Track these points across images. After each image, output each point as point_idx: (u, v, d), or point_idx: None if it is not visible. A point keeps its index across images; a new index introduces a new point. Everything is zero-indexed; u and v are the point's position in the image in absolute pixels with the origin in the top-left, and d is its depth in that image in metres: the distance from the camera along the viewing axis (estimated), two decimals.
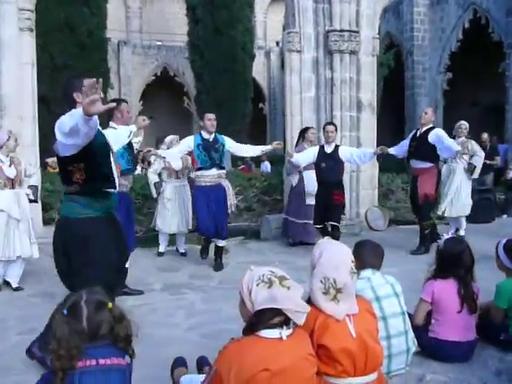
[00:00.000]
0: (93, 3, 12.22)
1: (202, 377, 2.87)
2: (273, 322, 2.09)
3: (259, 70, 22.74)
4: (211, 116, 6.39)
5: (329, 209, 6.75)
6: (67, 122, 3.08)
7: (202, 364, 3.14)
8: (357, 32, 8.24)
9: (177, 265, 6.73)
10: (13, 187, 5.62)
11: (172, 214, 6.96)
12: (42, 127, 7.48)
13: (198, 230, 6.45)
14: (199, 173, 6.30)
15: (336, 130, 7.02)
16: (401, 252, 6.89)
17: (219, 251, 6.48)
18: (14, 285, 5.69)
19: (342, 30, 8.13)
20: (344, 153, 6.79)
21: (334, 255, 2.39)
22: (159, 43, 23.47)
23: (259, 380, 2.00)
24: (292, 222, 7.55)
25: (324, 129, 6.99)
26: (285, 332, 2.09)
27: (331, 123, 7.16)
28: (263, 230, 8.34)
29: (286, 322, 2.13)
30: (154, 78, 22.47)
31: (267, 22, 26.87)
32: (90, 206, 3.50)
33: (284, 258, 6.91)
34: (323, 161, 6.80)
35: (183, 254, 7.13)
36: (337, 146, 6.94)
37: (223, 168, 6.48)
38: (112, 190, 3.65)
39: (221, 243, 6.45)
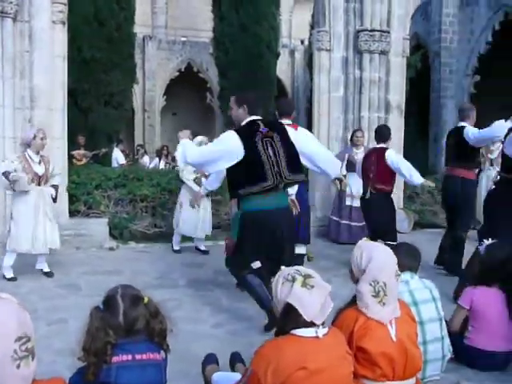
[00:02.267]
0: None
1: (235, 375, 2.87)
2: (301, 321, 2.05)
3: (283, 69, 22.62)
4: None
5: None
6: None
7: (234, 360, 3.13)
8: (388, 32, 8.16)
9: (200, 261, 6.74)
10: (39, 184, 5.74)
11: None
12: (69, 120, 7.55)
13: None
14: None
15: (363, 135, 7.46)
16: (427, 255, 6.80)
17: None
18: (46, 269, 5.95)
19: (372, 30, 8.06)
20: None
21: (384, 258, 2.37)
22: (184, 39, 23.51)
23: (297, 379, 1.98)
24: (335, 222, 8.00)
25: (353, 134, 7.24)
26: (321, 331, 2.06)
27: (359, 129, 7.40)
28: None
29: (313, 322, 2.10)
30: (177, 73, 22.51)
31: (292, 21, 26.79)
32: None
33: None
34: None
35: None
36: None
37: None
38: None
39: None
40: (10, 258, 5.78)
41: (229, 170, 4.17)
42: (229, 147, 4.06)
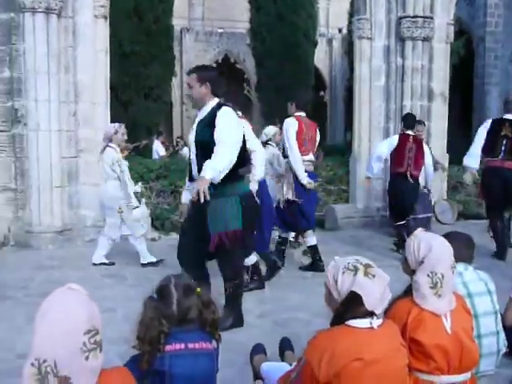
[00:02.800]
0: None
1: (284, 365, 2.87)
2: (361, 310, 2.04)
3: (321, 58, 22.41)
4: None
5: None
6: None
7: (284, 346, 3.13)
8: (431, 18, 7.96)
9: None
10: None
11: None
12: (110, 113, 7.67)
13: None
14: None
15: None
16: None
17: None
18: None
19: (415, 16, 7.87)
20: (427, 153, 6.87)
21: (442, 249, 2.33)
22: (221, 30, 23.55)
23: (352, 369, 1.96)
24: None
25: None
26: (375, 321, 2.04)
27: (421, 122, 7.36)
28: (328, 220, 8.27)
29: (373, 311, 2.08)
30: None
31: (330, 9, 26.47)
32: None
33: (349, 249, 6.83)
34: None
35: None
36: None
37: None
38: None
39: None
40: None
41: None
42: (241, 126, 3.99)
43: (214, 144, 3.73)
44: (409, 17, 7.88)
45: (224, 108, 3.86)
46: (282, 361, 3.11)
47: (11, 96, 6.97)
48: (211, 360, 2.23)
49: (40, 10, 6.71)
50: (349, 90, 18.68)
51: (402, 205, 6.54)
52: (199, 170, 3.84)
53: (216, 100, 3.91)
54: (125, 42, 11.76)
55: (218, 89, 3.93)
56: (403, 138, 6.57)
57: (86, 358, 1.57)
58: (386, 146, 6.74)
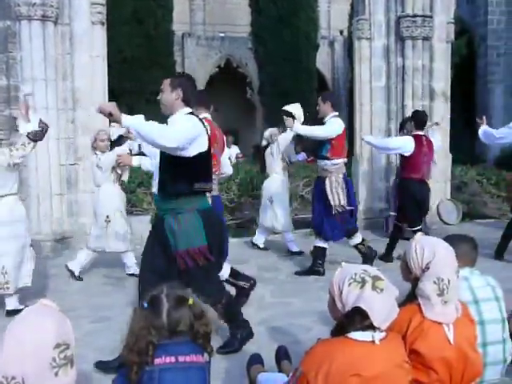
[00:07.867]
0: None
1: (281, 376, 2.79)
2: (364, 323, 1.95)
3: (323, 61, 22.32)
4: None
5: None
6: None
7: (280, 356, 3.06)
8: (430, 17, 7.87)
9: (245, 256, 6.66)
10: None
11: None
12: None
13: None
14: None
15: None
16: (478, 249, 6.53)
17: None
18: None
19: (414, 16, 7.79)
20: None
21: (446, 254, 2.22)
22: (222, 34, 23.51)
23: None
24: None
25: None
26: (377, 335, 1.94)
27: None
28: None
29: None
30: (217, 69, 22.55)
31: (331, 11, 26.38)
32: None
33: (354, 253, 6.73)
34: None
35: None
36: None
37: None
38: None
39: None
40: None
41: (187, 159, 3.38)
42: (201, 132, 3.47)
43: (176, 157, 3.36)
44: (408, 16, 7.80)
45: (189, 115, 3.50)
46: (279, 370, 3.04)
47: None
48: (203, 373, 2.15)
49: (36, 17, 6.68)
50: (351, 93, 18.60)
51: (423, 210, 6.39)
52: (160, 183, 3.56)
53: (187, 110, 3.52)
54: (124, 47, 11.73)
55: (190, 97, 3.55)
56: (418, 141, 6.17)
57: (56, 374, 1.55)
58: (401, 149, 6.31)
